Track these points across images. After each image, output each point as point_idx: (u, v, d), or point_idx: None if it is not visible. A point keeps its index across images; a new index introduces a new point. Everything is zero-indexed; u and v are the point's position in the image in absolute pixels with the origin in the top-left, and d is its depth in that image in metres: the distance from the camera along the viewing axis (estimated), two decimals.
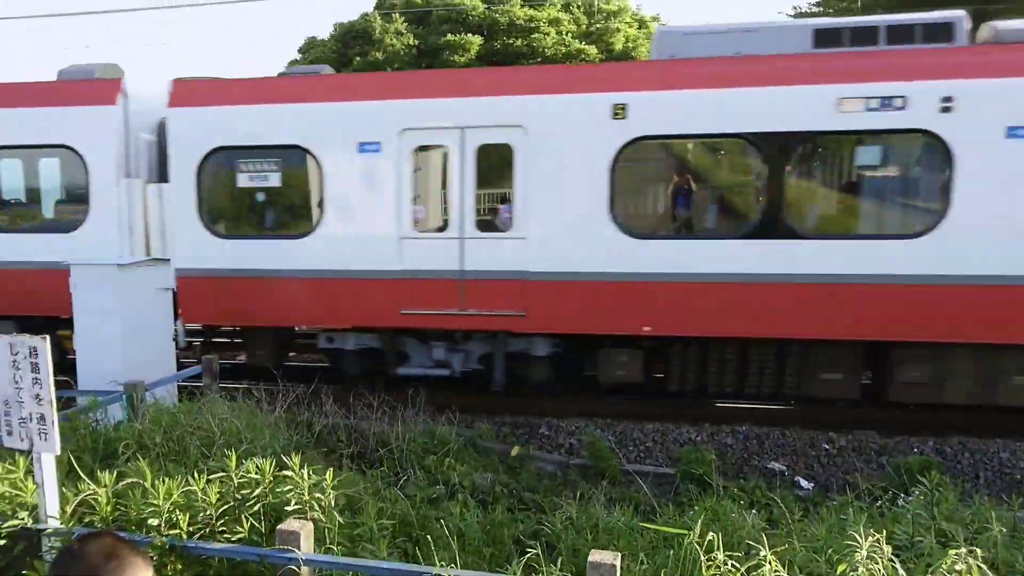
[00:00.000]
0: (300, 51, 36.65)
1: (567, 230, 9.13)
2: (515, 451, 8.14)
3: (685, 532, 3.58)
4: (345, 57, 33.19)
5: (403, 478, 6.56)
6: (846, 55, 8.82)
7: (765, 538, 3.53)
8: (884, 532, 3.57)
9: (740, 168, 9.64)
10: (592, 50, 33.34)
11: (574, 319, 9.25)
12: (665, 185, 9.65)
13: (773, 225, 8.85)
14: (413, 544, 4.52)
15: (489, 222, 9.69)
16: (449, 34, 32.83)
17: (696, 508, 4.88)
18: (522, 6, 34.08)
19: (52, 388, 3.74)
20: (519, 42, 32.96)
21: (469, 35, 32.78)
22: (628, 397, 9.97)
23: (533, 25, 33.40)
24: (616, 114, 8.85)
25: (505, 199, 10.27)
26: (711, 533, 3.50)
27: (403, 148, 9.36)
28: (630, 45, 35.00)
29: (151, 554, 3.51)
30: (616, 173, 8.98)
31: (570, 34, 33.94)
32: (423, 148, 9.72)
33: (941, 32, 8.81)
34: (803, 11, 25.81)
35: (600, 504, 5.46)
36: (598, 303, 9.09)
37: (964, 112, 8.23)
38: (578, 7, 35.43)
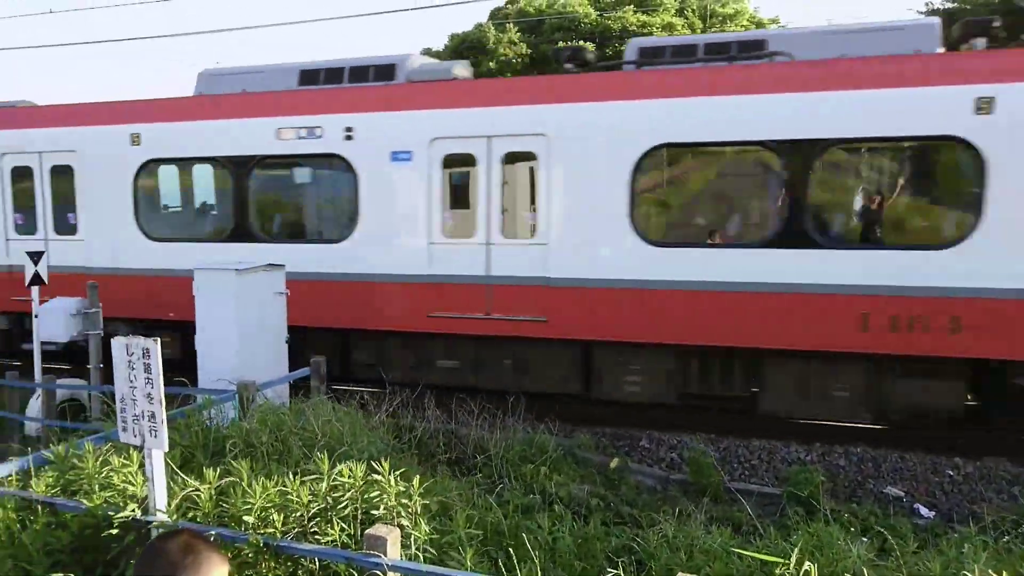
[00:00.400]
0: None
1: (109, 234, 11.64)
2: (614, 463, 8.01)
3: (779, 561, 3.39)
4: None
5: (499, 486, 6.56)
6: (281, 93, 10.89)
7: (867, 571, 3.30)
8: (1006, 571, 3.27)
9: (220, 183, 11.59)
10: None
11: (128, 307, 11.42)
12: (170, 197, 12.33)
13: (240, 230, 11.03)
14: (504, 554, 4.49)
15: (67, 227, 12.00)
16: (561, 42, 32.89)
17: (799, 532, 4.63)
18: (635, 12, 33.73)
19: (162, 387, 3.94)
20: None
21: (581, 42, 32.74)
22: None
23: (646, 31, 32.96)
24: (134, 141, 11.33)
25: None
26: (808, 563, 3.30)
27: (3, 169, 12.17)
28: None
29: (246, 551, 3.64)
30: (137, 189, 11.48)
31: None
32: (16, 168, 12.15)
33: (386, 72, 10.75)
34: (935, 8, 24.35)
35: (699, 523, 5.28)
36: (138, 294, 11.21)
37: (361, 139, 10.20)
38: (693, 11, 34.74)
